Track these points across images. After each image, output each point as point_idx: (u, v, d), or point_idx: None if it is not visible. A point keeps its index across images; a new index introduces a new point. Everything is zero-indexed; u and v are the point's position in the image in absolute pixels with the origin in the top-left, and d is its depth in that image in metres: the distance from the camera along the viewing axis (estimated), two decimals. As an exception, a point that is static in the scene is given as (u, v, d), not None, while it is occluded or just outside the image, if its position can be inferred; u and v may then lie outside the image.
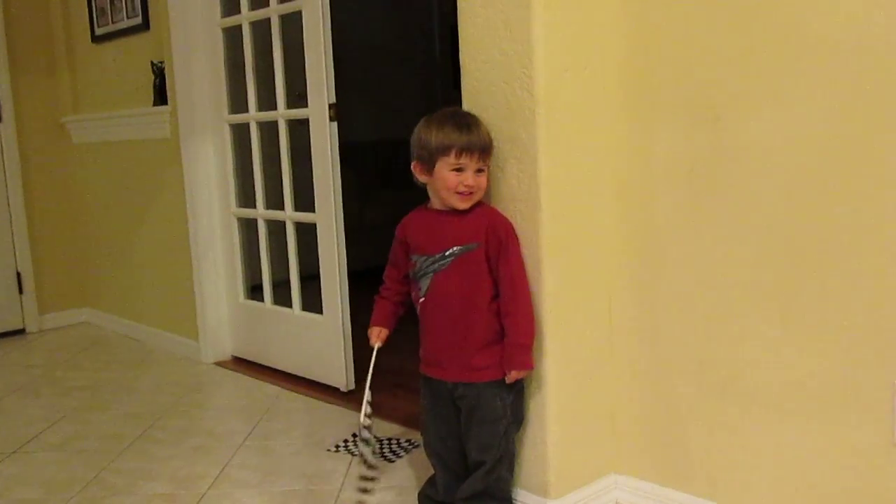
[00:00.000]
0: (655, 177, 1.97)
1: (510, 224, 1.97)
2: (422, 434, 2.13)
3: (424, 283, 1.99)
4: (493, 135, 1.98)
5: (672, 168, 1.94)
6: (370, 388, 2.04)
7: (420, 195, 2.07)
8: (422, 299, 1.99)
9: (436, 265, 1.97)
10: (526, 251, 1.96)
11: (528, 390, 2.01)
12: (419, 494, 2.14)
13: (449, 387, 2.00)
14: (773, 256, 1.79)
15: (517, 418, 2.01)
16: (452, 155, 1.91)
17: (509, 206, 1.98)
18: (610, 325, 2.10)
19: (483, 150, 1.94)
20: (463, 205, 1.95)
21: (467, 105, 2.05)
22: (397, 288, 2.11)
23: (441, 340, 1.99)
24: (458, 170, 1.92)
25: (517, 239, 1.96)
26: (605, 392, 2.11)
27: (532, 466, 2.04)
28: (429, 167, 1.96)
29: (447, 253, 1.95)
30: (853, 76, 1.63)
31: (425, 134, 1.96)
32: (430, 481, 2.14)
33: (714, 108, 1.84)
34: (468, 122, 1.95)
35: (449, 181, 1.93)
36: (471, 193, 1.94)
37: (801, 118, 1.71)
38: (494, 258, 1.94)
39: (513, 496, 2.07)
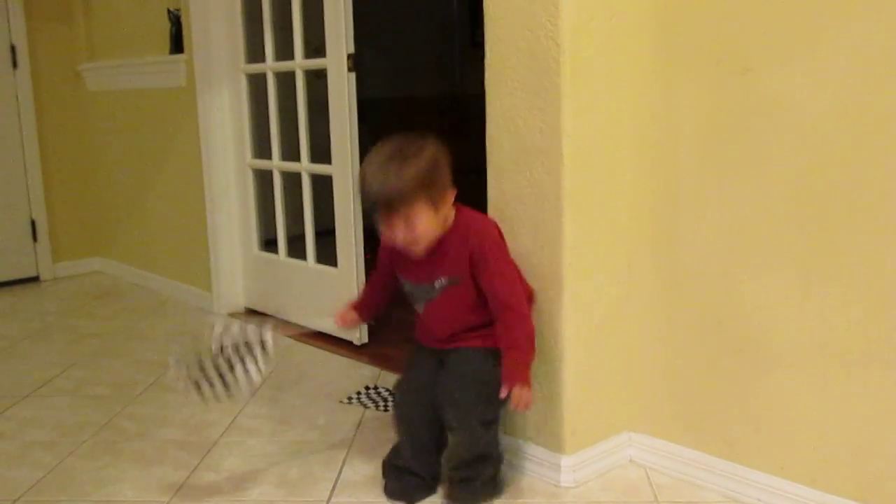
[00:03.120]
0: (679, 130, 1.94)
1: (489, 238, 1.88)
2: (393, 400, 2.09)
3: (419, 305, 1.97)
4: (517, 84, 1.94)
5: (697, 121, 1.90)
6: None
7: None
8: (419, 312, 1.99)
9: (427, 294, 1.93)
10: (546, 204, 1.93)
11: (545, 346, 1.98)
12: (383, 463, 2.05)
13: (437, 352, 1.97)
14: (797, 213, 1.75)
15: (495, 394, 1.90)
16: (369, 209, 1.83)
17: (532, 157, 1.94)
18: (629, 281, 2.07)
19: (393, 204, 1.75)
20: (416, 252, 1.84)
21: (490, 54, 2.01)
22: (386, 282, 2.05)
23: (434, 331, 1.97)
24: (386, 224, 1.81)
25: (499, 245, 1.89)
26: (623, 349, 2.09)
27: (547, 422, 2.03)
28: None
29: (436, 285, 1.90)
30: (892, 24, 1.58)
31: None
32: (395, 449, 2.04)
33: (743, 59, 1.80)
34: (380, 168, 1.76)
35: (383, 236, 1.85)
36: (413, 244, 1.83)
37: (834, 70, 1.67)
38: (480, 276, 1.86)
39: (501, 456, 2.01)
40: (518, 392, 1.81)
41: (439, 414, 1.91)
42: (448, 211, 1.86)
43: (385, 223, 1.80)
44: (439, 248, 1.86)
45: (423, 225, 1.79)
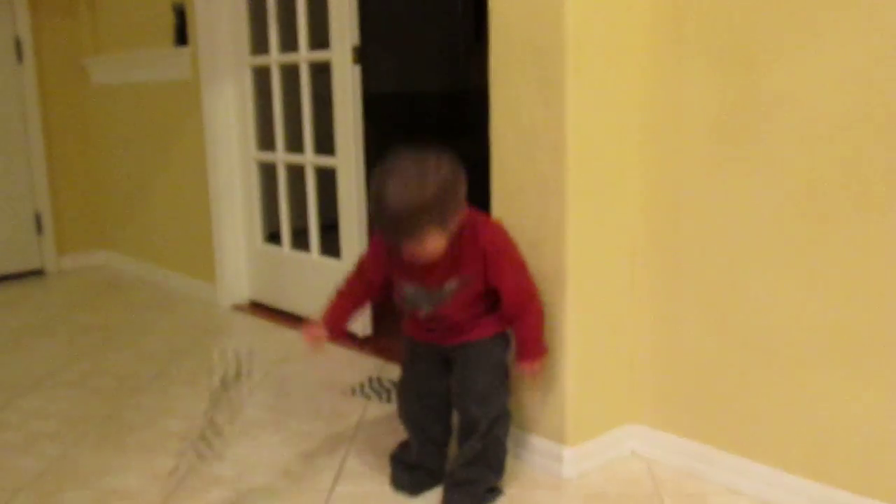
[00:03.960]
0: (683, 124, 1.94)
1: (499, 239, 1.86)
2: (397, 397, 2.05)
3: (424, 308, 1.87)
4: (521, 77, 1.94)
5: (700, 115, 1.90)
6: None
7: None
8: (421, 315, 1.89)
9: (434, 299, 1.85)
10: (550, 197, 1.93)
11: (548, 338, 1.99)
12: (391, 457, 2.07)
13: (439, 348, 1.93)
14: (802, 207, 1.76)
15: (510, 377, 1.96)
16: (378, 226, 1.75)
17: (536, 150, 1.95)
18: (632, 274, 2.07)
19: (404, 231, 1.70)
20: (422, 262, 1.79)
21: (494, 47, 2.01)
22: (366, 291, 1.98)
23: (439, 329, 1.91)
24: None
25: (507, 247, 1.87)
26: (625, 342, 2.10)
27: (549, 413, 2.03)
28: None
29: (446, 288, 1.83)
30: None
31: (371, 182, 1.75)
32: (403, 445, 2.07)
33: (748, 53, 1.80)
34: (393, 191, 1.67)
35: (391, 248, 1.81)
36: (420, 259, 1.77)
37: (838, 64, 1.66)
38: (493, 276, 1.83)
39: (505, 465, 1.98)
40: (530, 366, 1.93)
41: (458, 410, 1.93)
42: (456, 225, 1.78)
43: (395, 243, 1.76)
44: (450, 250, 1.79)
45: (434, 246, 1.74)
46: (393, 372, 2.72)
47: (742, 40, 1.81)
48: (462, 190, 1.76)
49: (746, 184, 1.84)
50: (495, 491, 1.94)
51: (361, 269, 1.98)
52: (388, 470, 2.05)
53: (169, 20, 3.73)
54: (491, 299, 1.89)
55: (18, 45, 4.28)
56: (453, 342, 1.90)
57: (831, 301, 1.74)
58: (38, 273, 4.46)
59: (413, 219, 1.67)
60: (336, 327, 1.96)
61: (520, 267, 1.89)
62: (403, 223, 1.68)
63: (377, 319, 3.13)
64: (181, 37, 3.68)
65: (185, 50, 3.65)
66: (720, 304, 1.93)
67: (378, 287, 1.95)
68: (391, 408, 2.44)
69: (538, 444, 2.06)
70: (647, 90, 1.99)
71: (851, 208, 1.68)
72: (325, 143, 3.19)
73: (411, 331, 1.97)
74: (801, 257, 1.78)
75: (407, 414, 2.01)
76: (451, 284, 1.83)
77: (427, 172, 1.69)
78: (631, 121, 2.00)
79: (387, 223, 1.70)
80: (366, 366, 2.84)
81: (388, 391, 2.57)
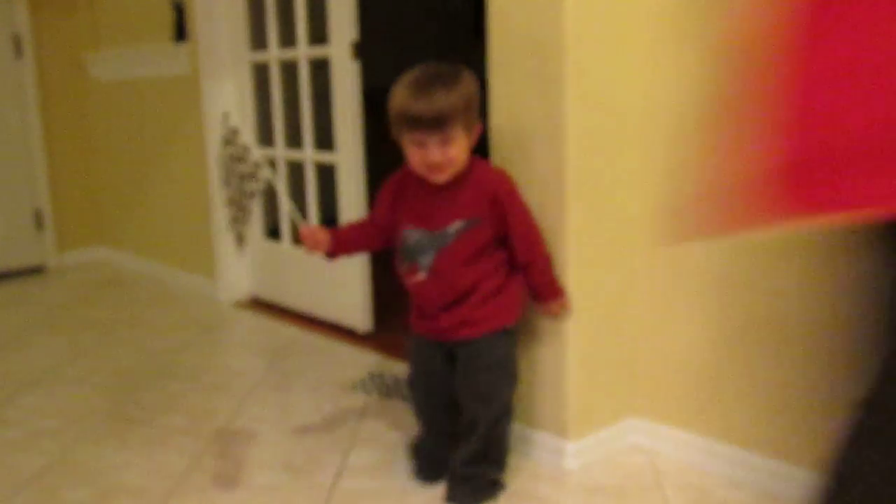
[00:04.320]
0: (685, 117, 1.93)
1: (508, 181, 1.89)
2: (409, 390, 2.07)
3: (425, 260, 1.86)
4: (519, 71, 1.94)
5: (700, 108, 1.90)
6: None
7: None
8: (421, 276, 1.88)
9: (438, 241, 1.85)
10: (550, 191, 1.93)
11: (549, 332, 1.99)
12: (412, 447, 2.08)
13: (443, 344, 1.93)
14: (803, 199, 1.75)
15: (515, 373, 1.96)
16: (406, 127, 1.76)
17: (535, 144, 1.94)
18: (633, 267, 2.07)
19: (438, 121, 1.72)
20: (439, 179, 1.81)
21: (492, 41, 2.01)
22: (374, 232, 2.01)
23: (440, 303, 1.88)
24: (420, 144, 1.77)
25: (516, 190, 1.89)
26: (627, 335, 2.10)
27: (551, 408, 2.03)
28: (397, 135, 1.81)
29: (450, 230, 1.84)
30: None
31: (390, 95, 1.80)
32: (420, 436, 2.07)
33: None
34: (426, 85, 1.75)
35: (412, 158, 1.80)
36: (443, 168, 1.79)
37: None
38: (500, 221, 1.84)
39: (507, 459, 1.99)
40: (555, 305, 1.94)
41: (461, 405, 1.93)
42: (472, 142, 1.84)
43: (417, 143, 1.77)
44: (455, 187, 1.84)
45: (457, 149, 1.78)
46: (394, 368, 2.72)
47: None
48: (478, 105, 1.83)
49: (747, 177, 1.84)
50: (498, 484, 1.94)
51: (371, 214, 2.04)
52: (391, 465, 2.07)
53: (168, 16, 3.73)
54: (495, 262, 1.87)
55: (17, 41, 4.27)
56: (456, 337, 1.89)
57: (832, 291, 1.74)
58: (38, 270, 4.45)
59: (443, 111, 1.73)
60: (337, 243, 1.98)
61: (527, 211, 1.91)
62: (433, 115, 1.73)
63: (378, 316, 3.13)
64: (180, 33, 3.67)
65: (184, 46, 3.64)
66: (720, 297, 1.93)
67: (384, 229, 1.98)
68: (393, 403, 2.44)
69: (540, 438, 2.06)
70: (646, 83, 1.98)
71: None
72: (324, 139, 3.19)
73: (417, 324, 1.97)
74: (802, 249, 1.77)
75: (420, 410, 2.03)
76: (456, 225, 1.84)
77: (452, 74, 1.79)
78: (631, 114, 2.00)
79: (415, 117, 1.74)
80: (367, 361, 2.84)
81: (389, 386, 2.57)
